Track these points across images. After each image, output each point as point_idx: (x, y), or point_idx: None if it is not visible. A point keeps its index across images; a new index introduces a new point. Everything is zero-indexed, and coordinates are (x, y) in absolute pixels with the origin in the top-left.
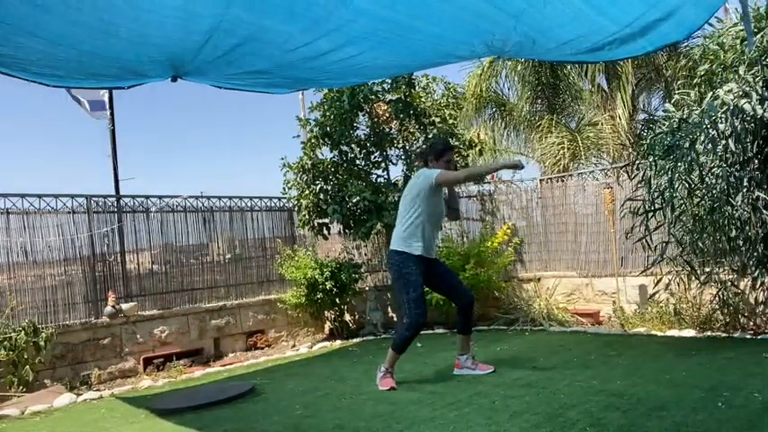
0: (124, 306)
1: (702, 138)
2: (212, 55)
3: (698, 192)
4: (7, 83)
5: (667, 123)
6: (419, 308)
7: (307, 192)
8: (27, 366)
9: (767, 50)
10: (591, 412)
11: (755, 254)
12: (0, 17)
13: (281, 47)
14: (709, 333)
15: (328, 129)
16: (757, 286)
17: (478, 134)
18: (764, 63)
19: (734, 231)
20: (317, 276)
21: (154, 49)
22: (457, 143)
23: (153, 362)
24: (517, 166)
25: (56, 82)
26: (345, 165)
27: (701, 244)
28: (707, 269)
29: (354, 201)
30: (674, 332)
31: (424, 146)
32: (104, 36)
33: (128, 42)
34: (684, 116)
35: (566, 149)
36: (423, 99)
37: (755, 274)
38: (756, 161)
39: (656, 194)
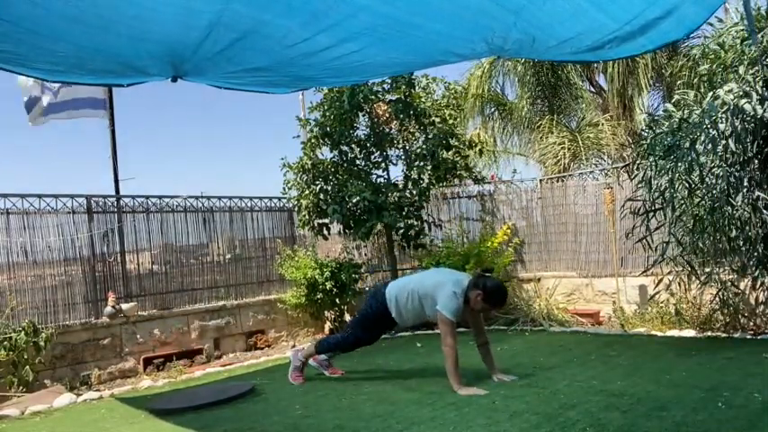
0: (124, 306)
1: (703, 138)
2: (212, 51)
3: (698, 192)
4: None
5: (668, 123)
6: (364, 333)
7: (307, 192)
8: (27, 366)
9: (767, 50)
10: (591, 412)
11: (755, 254)
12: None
13: (281, 42)
14: (709, 333)
15: (328, 129)
16: (757, 286)
17: (479, 134)
18: (765, 63)
19: (734, 231)
20: (316, 276)
21: (153, 45)
22: (457, 143)
23: (153, 362)
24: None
25: (55, 77)
26: (345, 165)
27: (701, 244)
28: (707, 269)
29: (354, 201)
30: (675, 332)
31: (489, 275)
32: (104, 33)
33: (127, 38)
34: (685, 116)
35: (566, 150)
36: (423, 99)
37: (755, 274)
38: (756, 161)
39: (656, 194)
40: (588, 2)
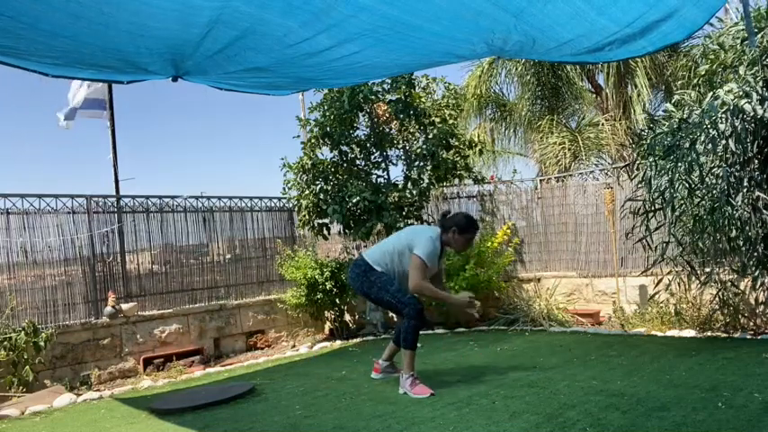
0: (124, 306)
1: (703, 138)
2: (212, 49)
3: (698, 192)
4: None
5: (668, 123)
6: (406, 294)
7: (307, 192)
8: (27, 366)
9: (767, 50)
10: (591, 412)
11: (755, 254)
12: (0, 10)
13: (281, 41)
14: (709, 333)
15: (328, 129)
16: (757, 286)
17: (478, 134)
18: (765, 63)
19: (734, 231)
20: (316, 276)
21: (153, 42)
22: (457, 143)
23: (153, 362)
24: (470, 306)
25: (56, 71)
26: (345, 165)
27: (701, 244)
28: (707, 269)
29: (354, 201)
30: (675, 332)
31: (450, 214)
32: (104, 29)
33: (128, 34)
34: (685, 116)
35: (567, 150)
36: (423, 99)
37: (755, 274)
38: (756, 161)
39: (656, 195)
40: (588, 4)
